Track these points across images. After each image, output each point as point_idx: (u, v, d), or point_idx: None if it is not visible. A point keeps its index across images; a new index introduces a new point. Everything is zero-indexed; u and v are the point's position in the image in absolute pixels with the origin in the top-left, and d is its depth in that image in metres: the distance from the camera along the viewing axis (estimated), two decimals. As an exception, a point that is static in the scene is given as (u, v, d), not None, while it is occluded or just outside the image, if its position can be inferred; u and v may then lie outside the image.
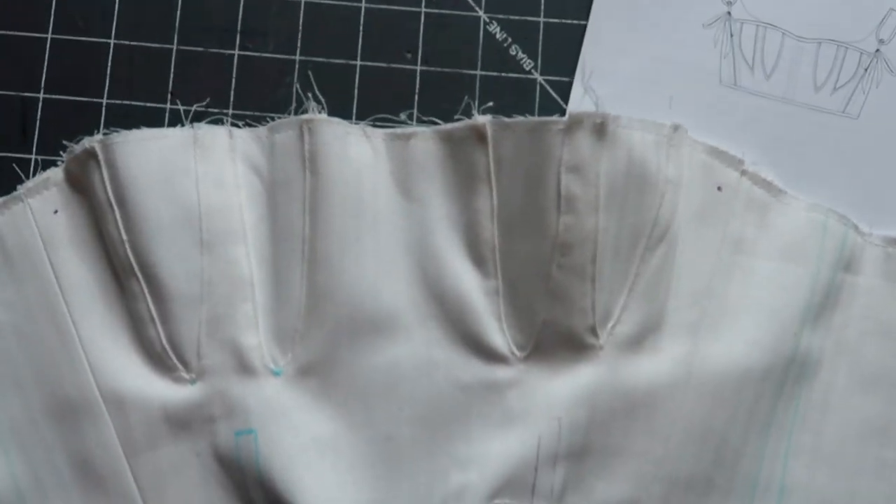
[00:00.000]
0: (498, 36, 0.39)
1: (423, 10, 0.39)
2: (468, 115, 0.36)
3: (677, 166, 0.35)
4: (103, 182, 0.34)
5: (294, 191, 0.35)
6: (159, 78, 0.39)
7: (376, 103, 0.39)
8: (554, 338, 0.35)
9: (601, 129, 0.34)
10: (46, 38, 0.39)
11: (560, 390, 0.36)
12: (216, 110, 0.39)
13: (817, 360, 0.37)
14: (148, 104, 0.39)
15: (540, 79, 0.39)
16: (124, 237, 0.34)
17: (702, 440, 0.36)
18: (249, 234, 0.36)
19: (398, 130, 0.36)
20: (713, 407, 0.36)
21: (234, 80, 0.39)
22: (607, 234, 0.34)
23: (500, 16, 0.39)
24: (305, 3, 0.39)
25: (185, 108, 0.38)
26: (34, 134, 0.38)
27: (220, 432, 0.36)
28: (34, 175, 0.37)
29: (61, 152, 0.36)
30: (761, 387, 0.36)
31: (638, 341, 0.36)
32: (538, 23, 0.40)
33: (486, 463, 0.35)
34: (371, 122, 0.38)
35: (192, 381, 0.35)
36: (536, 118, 0.34)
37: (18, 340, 0.35)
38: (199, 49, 0.39)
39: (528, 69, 0.39)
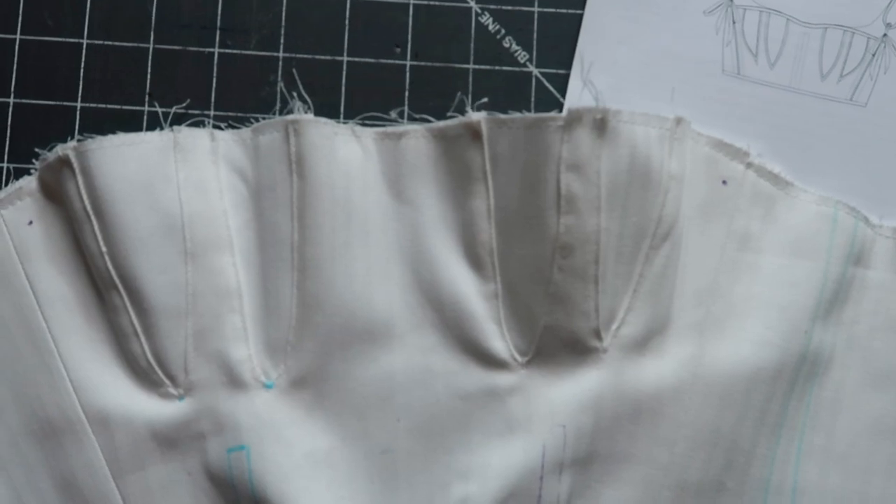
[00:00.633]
0: (490, 27, 0.38)
1: (412, 1, 0.38)
2: (461, 111, 0.35)
3: (680, 161, 0.34)
4: (79, 191, 0.33)
5: (281, 195, 0.34)
6: (136, 79, 0.38)
7: (365, 101, 0.38)
8: (556, 342, 0.35)
9: (601, 124, 0.32)
10: (15, 40, 0.38)
11: (563, 396, 0.35)
12: (197, 112, 0.38)
13: (828, 357, 0.36)
14: (124, 107, 0.38)
15: (535, 72, 0.38)
16: (103, 248, 0.33)
17: (711, 444, 0.35)
18: (235, 241, 0.35)
19: (389, 129, 0.35)
20: (721, 409, 0.35)
21: (214, 80, 0.38)
22: (610, 234, 0.33)
23: (493, 6, 0.38)
24: (288, -4, 0.38)
25: (163, 110, 0.37)
26: (5, 141, 0.37)
27: (211, 449, 0.35)
28: (6, 184, 0.36)
29: (34, 160, 0.35)
30: (772, 387, 0.35)
31: (642, 343, 0.35)
32: (532, 13, 0.38)
33: (489, 474, 0.34)
34: (360, 121, 0.37)
35: (180, 397, 0.35)
36: (533, 115, 0.33)
37: None
38: (178, 48, 0.38)
39: (522, 62, 0.38)
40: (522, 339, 0.35)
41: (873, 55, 0.38)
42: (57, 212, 0.35)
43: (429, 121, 0.35)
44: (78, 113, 0.37)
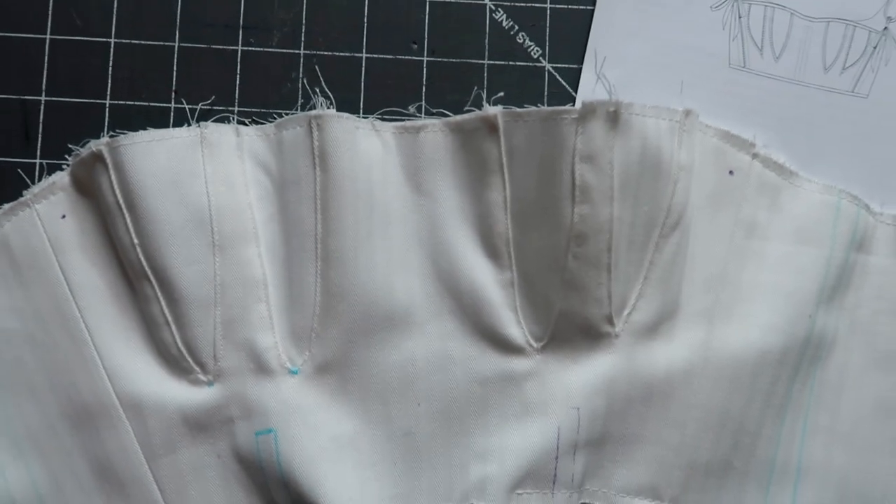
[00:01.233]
0: (504, 24, 0.39)
1: (428, -1, 0.39)
2: (478, 105, 0.36)
3: (689, 152, 0.35)
4: (112, 185, 0.34)
5: (304, 188, 0.35)
6: (162, 76, 0.38)
7: (384, 96, 0.38)
8: (570, 328, 0.36)
9: (614, 117, 0.33)
10: (45, 39, 0.38)
11: (577, 380, 0.36)
12: (221, 108, 0.38)
13: (832, 340, 0.37)
14: (152, 104, 0.38)
15: (548, 66, 0.39)
16: (135, 241, 0.34)
17: (719, 425, 0.36)
18: (261, 233, 0.36)
19: (407, 123, 0.36)
20: (730, 392, 0.36)
21: (238, 77, 0.38)
22: (622, 223, 0.34)
23: (506, 3, 0.39)
24: (307, -5, 0.39)
25: (189, 106, 0.38)
26: (38, 138, 0.38)
27: (240, 433, 0.36)
28: (40, 180, 0.36)
29: (66, 156, 0.36)
30: (778, 370, 0.36)
31: (653, 329, 0.36)
32: (545, 9, 0.39)
33: (506, 455, 0.36)
34: (379, 116, 0.38)
35: (210, 383, 0.36)
36: (548, 108, 0.34)
37: (31, 347, 0.35)
38: (202, 46, 0.38)
39: (535, 57, 0.39)
40: (538, 325, 0.36)
41: (874, 48, 0.39)
42: (89, 206, 0.36)
43: (446, 115, 0.36)
44: (107, 110, 0.38)
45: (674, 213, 0.35)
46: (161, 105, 0.38)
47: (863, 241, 0.37)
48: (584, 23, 0.39)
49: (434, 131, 0.36)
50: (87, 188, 0.36)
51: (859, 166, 0.39)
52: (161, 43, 0.38)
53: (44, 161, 0.38)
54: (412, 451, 0.36)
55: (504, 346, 0.36)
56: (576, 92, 0.39)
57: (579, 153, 0.33)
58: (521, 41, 0.39)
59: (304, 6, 0.39)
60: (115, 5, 0.38)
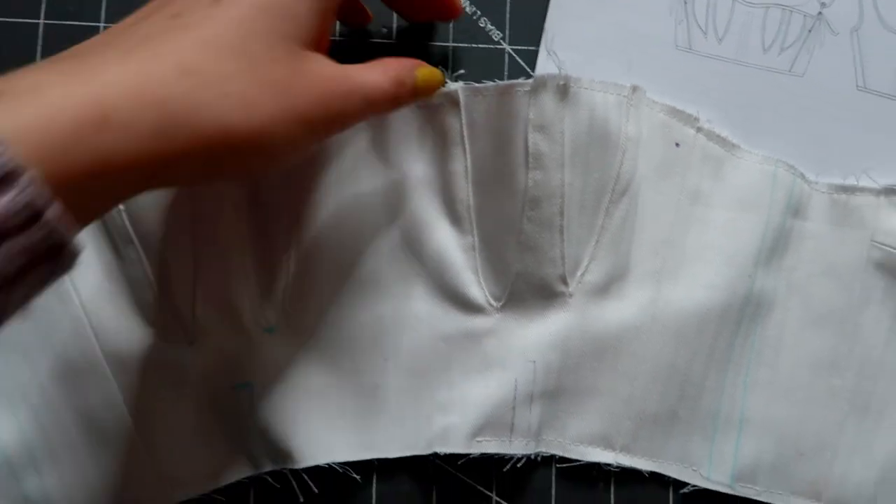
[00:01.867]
0: (468, 9, 0.41)
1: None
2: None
3: (636, 124, 0.37)
4: None
5: None
6: None
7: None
8: (527, 288, 0.38)
9: (564, 90, 0.36)
10: (38, 24, 0.40)
11: (534, 336, 0.38)
12: None
13: (771, 300, 0.39)
14: None
15: (508, 48, 0.41)
16: (121, 206, 0.36)
17: (666, 378, 0.38)
18: (240, 201, 0.37)
19: None
20: (676, 346, 0.38)
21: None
22: (573, 188, 0.36)
23: (469, -10, 0.42)
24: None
25: None
26: None
27: (219, 387, 0.38)
28: None
29: None
30: (720, 325, 0.38)
31: (605, 289, 0.38)
32: (505, -5, 0.42)
33: (467, 405, 0.38)
34: None
35: (190, 341, 0.37)
36: (504, 83, 0.36)
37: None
38: None
39: (496, 40, 0.41)
40: (497, 286, 0.38)
41: (810, 31, 0.42)
42: None
43: (412, 92, 0.39)
44: None
45: (622, 180, 0.37)
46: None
47: (798, 208, 0.40)
48: (541, 8, 0.41)
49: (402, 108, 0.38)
50: None
51: (796, 140, 0.41)
52: (147, 26, 0.40)
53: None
54: (380, 404, 0.38)
55: (466, 305, 0.38)
56: (533, 71, 0.41)
57: (532, 123, 0.36)
58: (483, 25, 0.41)
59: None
60: (105, -9, 0.40)
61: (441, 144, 0.38)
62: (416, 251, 0.38)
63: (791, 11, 0.42)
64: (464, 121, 0.37)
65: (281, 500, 0.39)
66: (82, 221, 0.23)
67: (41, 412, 0.37)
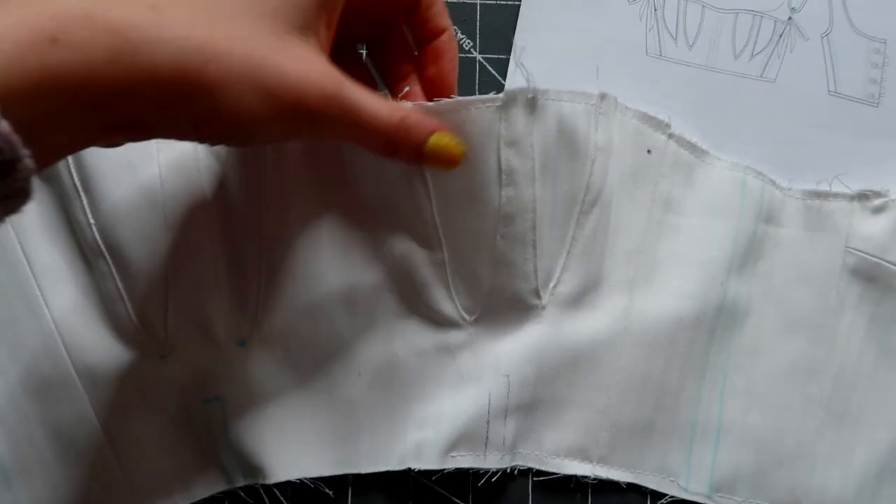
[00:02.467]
0: (438, 18, 0.41)
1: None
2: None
3: (606, 132, 0.37)
4: (69, 170, 0.35)
5: (249, 172, 0.36)
6: None
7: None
8: (500, 302, 0.37)
9: (532, 103, 0.35)
10: None
11: (507, 349, 0.38)
12: None
13: (746, 307, 0.39)
14: None
15: (479, 57, 0.41)
16: (91, 221, 0.35)
17: (642, 387, 0.38)
18: (212, 214, 0.37)
19: None
20: (650, 356, 0.38)
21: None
22: (544, 202, 0.36)
23: (439, -1, 0.41)
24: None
25: None
26: None
27: (191, 401, 0.37)
28: None
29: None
30: (694, 334, 0.38)
31: (578, 300, 0.38)
32: (475, 4, 0.42)
33: (441, 420, 0.37)
34: None
35: (162, 355, 0.37)
36: (471, 98, 0.34)
37: None
38: None
39: (467, 49, 0.41)
40: (470, 300, 0.38)
41: (780, 36, 0.42)
42: (48, 189, 0.37)
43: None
44: None
45: (592, 190, 0.37)
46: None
47: (771, 214, 0.39)
48: (511, 17, 0.41)
49: None
50: (46, 173, 0.36)
51: (769, 146, 0.41)
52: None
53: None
54: (354, 419, 0.38)
55: (439, 320, 0.38)
56: (504, 80, 0.41)
57: (504, 139, 0.35)
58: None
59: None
60: None
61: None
62: (387, 267, 0.38)
63: (761, 17, 0.42)
64: None
65: (254, 516, 0.38)
66: (37, 155, 0.22)
67: (13, 427, 0.37)
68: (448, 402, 0.37)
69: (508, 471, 0.38)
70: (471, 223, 0.36)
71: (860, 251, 0.39)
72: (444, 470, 0.37)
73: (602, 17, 0.41)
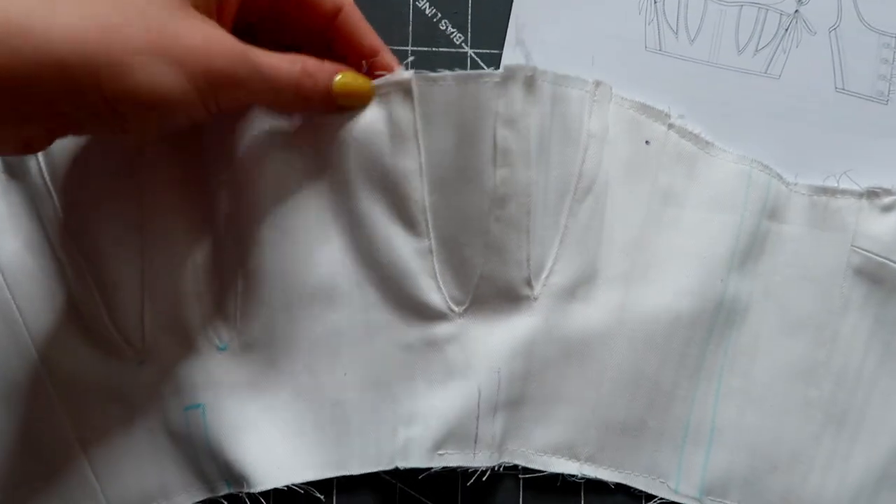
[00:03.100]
0: (427, 11, 0.40)
1: (355, -11, 0.40)
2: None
3: (601, 120, 0.36)
4: (40, 169, 0.35)
5: (222, 173, 0.35)
6: None
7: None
8: (491, 291, 0.36)
9: (531, 81, 0.34)
10: None
11: (498, 342, 0.36)
12: None
13: (745, 305, 0.38)
14: None
15: (470, 52, 0.40)
16: (63, 222, 0.35)
17: (634, 385, 0.37)
18: (189, 216, 0.36)
19: None
20: (644, 352, 0.37)
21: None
22: (538, 187, 0.35)
23: (429, -8, 0.40)
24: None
25: None
26: None
27: (169, 408, 0.36)
28: None
29: None
30: (690, 331, 0.37)
31: (572, 291, 0.37)
32: (467, -3, 0.41)
33: (430, 417, 0.36)
34: None
35: (139, 361, 0.36)
36: (466, 72, 0.34)
37: None
38: None
39: (458, 43, 0.40)
40: (459, 290, 0.36)
41: (786, 30, 0.40)
42: (19, 189, 0.36)
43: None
44: None
45: (585, 178, 0.36)
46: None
47: (775, 210, 0.38)
48: (504, 9, 0.40)
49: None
50: (17, 172, 0.36)
51: (772, 144, 0.39)
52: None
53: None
54: (341, 420, 0.37)
55: (426, 312, 0.37)
56: (498, 75, 0.40)
57: (500, 117, 0.33)
58: (443, 28, 0.40)
59: None
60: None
61: (390, 140, 0.35)
62: (369, 258, 0.36)
63: (766, 10, 0.40)
64: (417, 113, 0.34)
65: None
66: None
67: (-14, 436, 0.36)
68: (436, 398, 0.36)
69: (496, 469, 0.37)
70: (461, 205, 0.35)
71: (866, 251, 0.38)
72: (432, 469, 0.36)
73: (599, 10, 0.40)
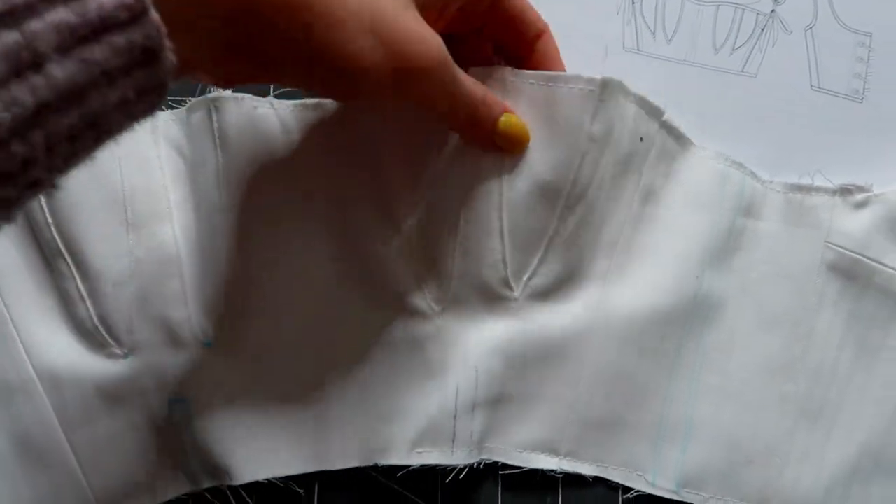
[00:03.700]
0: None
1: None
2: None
3: (605, 123, 0.35)
4: None
5: (209, 170, 0.36)
6: None
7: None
8: (469, 291, 0.37)
9: (502, 82, 0.35)
10: None
11: (476, 341, 0.37)
12: None
13: (721, 302, 0.38)
14: None
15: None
16: (49, 220, 0.35)
17: (611, 382, 0.38)
18: (175, 213, 0.37)
19: (308, 101, 0.37)
20: (621, 349, 0.37)
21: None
22: (516, 191, 0.35)
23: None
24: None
25: None
26: None
27: (154, 403, 0.37)
28: None
29: None
30: (666, 328, 0.37)
31: (552, 292, 0.37)
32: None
33: (408, 415, 0.36)
34: (279, 94, 0.38)
35: (125, 356, 0.37)
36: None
37: None
38: None
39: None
40: (439, 289, 0.37)
41: (762, 30, 0.41)
42: None
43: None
44: None
45: (579, 185, 0.35)
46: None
47: (751, 207, 0.39)
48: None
49: (332, 107, 0.37)
50: None
51: (749, 143, 0.40)
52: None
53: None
54: (324, 417, 0.37)
55: (408, 311, 0.37)
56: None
57: None
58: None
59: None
60: None
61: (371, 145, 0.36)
62: (354, 259, 0.37)
63: (743, 10, 0.41)
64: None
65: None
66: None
67: (-27, 432, 0.36)
68: (415, 395, 0.37)
69: (476, 466, 0.37)
70: (436, 208, 0.35)
71: (840, 247, 0.38)
72: (410, 466, 0.36)
73: (577, 9, 0.40)
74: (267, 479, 0.37)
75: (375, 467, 0.37)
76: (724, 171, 0.38)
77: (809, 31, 0.41)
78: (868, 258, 0.38)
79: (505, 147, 0.34)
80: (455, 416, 0.36)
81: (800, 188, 0.39)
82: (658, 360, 0.38)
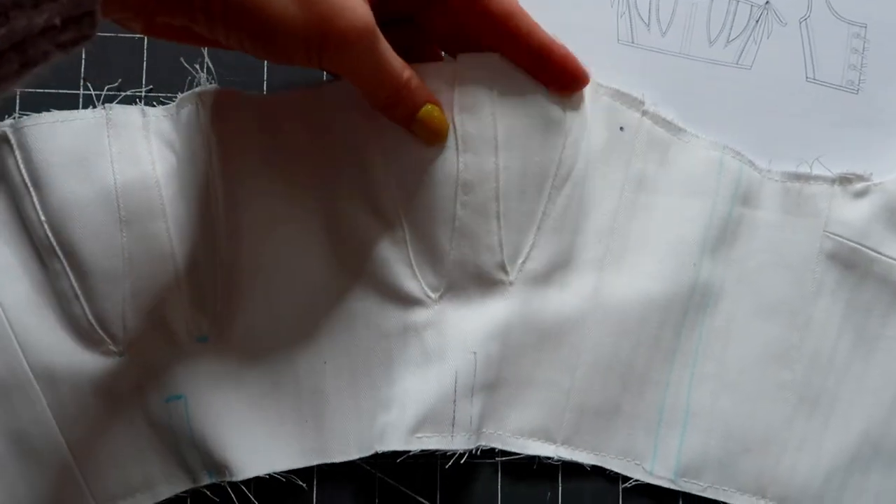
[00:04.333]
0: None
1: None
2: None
3: (581, 108, 0.37)
4: (18, 165, 0.35)
5: (200, 165, 0.36)
6: (71, 64, 0.39)
7: (287, 78, 0.39)
8: (465, 277, 0.37)
9: (493, 69, 0.35)
10: None
11: (473, 326, 0.37)
12: (129, 92, 0.39)
13: (719, 290, 0.38)
14: (61, 91, 0.39)
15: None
16: (42, 218, 0.35)
17: (608, 369, 0.38)
18: (168, 208, 0.36)
19: (295, 92, 0.37)
20: (618, 337, 0.37)
21: (145, 63, 0.39)
22: (510, 172, 0.35)
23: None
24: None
25: (96, 92, 0.39)
26: None
27: (150, 400, 0.37)
28: None
29: None
30: (664, 316, 0.37)
31: (547, 277, 0.37)
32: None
33: (407, 400, 0.36)
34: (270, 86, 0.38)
35: (120, 354, 0.36)
36: (420, 64, 0.34)
37: None
38: (110, 34, 0.39)
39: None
40: (434, 276, 0.37)
41: (757, 21, 0.41)
42: None
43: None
44: (17, 99, 0.38)
45: (564, 165, 0.36)
46: (70, 92, 0.39)
47: (748, 196, 0.39)
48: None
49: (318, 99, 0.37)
50: None
51: (744, 135, 0.40)
52: (71, 32, 0.39)
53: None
54: (321, 408, 0.38)
55: (403, 299, 0.37)
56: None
57: (457, 104, 0.35)
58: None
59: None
60: None
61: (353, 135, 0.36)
62: (348, 249, 0.37)
63: (737, 2, 0.41)
64: None
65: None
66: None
67: (-31, 430, 0.36)
68: (414, 382, 0.37)
69: (474, 452, 0.37)
70: (430, 193, 0.35)
71: (839, 236, 0.38)
72: (410, 452, 0.36)
73: (572, 3, 0.40)
74: (268, 475, 0.37)
75: (375, 459, 0.37)
76: (721, 158, 0.38)
77: (804, 22, 0.41)
78: (867, 247, 0.38)
79: (421, 137, 0.34)
80: (454, 401, 0.36)
81: (798, 177, 0.39)
82: (656, 348, 0.38)
